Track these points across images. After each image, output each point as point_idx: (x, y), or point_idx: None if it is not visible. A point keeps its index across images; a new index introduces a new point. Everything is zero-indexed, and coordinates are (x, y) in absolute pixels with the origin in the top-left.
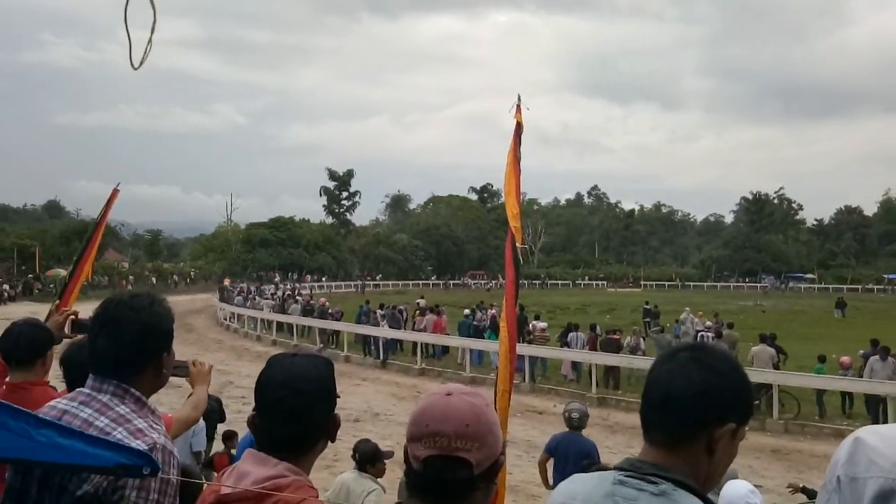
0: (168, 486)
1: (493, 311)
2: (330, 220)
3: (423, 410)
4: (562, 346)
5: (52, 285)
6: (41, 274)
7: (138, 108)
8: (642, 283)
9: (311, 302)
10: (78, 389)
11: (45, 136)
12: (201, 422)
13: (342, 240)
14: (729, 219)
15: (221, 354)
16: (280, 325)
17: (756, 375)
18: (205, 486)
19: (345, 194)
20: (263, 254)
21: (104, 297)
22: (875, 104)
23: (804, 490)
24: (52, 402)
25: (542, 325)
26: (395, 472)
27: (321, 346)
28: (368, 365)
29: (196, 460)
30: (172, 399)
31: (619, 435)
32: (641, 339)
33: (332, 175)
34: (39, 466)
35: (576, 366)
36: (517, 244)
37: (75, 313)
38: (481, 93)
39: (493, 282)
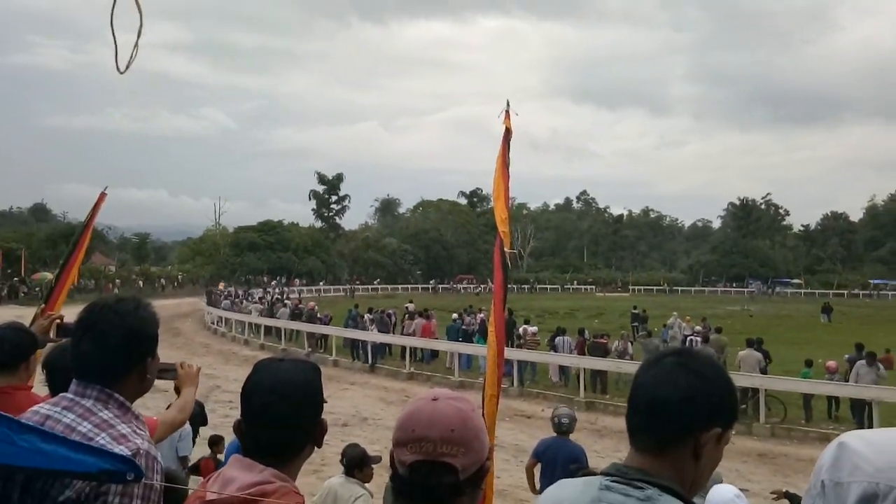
0: (151, 491)
1: (482, 315)
2: (319, 223)
3: (410, 415)
4: (550, 351)
5: (37, 289)
6: (27, 277)
7: (126, 110)
8: (631, 287)
9: (300, 306)
10: (61, 394)
11: (31, 139)
12: (188, 426)
13: (331, 244)
14: (717, 224)
15: (209, 359)
16: (268, 330)
17: (743, 379)
18: (190, 491)
19: (334, 198)
20: (252, 258)
21: (91, 300)
22: (861, 111)
23: (787, 495)
24: (34, 407)
25: (533, 329)
26: (383, 477)
27: (309, 350)
28: (357, 369)
29: (182, 465)
30: (159, 403)
31: (607, 439)
32: (629, 344)
33: (322, 179)
34: (22, 472)
35: (564, 370)
36: (506, 249)
37: (60, 317)
38: (471, 98)
39: (483, 286)
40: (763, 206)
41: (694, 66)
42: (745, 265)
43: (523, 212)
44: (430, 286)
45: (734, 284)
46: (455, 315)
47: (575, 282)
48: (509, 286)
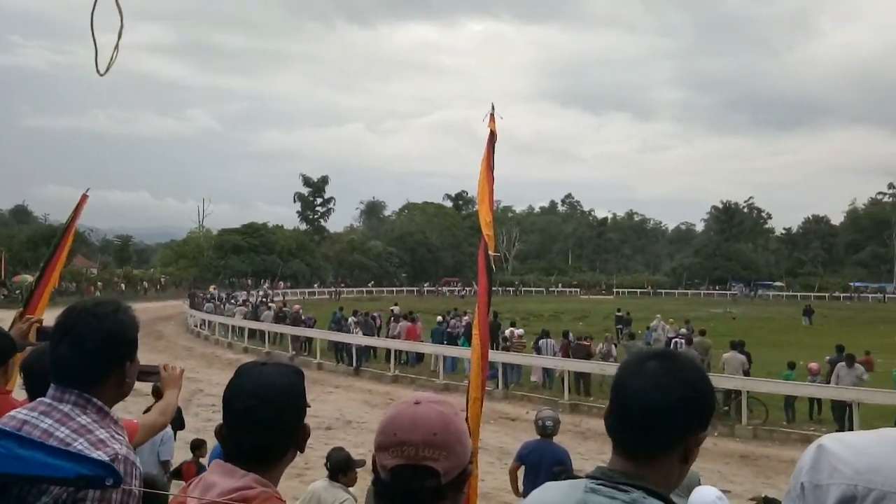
0: (130, 497)
1: (467, 318)
2: (304, 226)
3: (392, 419)
4: (534, 353)
5: (18, 291)
6: (7, 280)
7: (110, 112)
8: (615, 290)
9: (285, 309)
10: (39, 399)
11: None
12: (169, 430)
13: (316, 246)
14: (700, 227)
15: (192, 362)
16: (252, 333)
17: (725, 381)
18: (171, 496)
19: (319, 200)
20: (236, 260)
21: (72, 303)
22: (842, 116)
23: (766, 500)
24: (11, 413)
25: (520, 331)
26: (367, 481)
27: (293, 353)
28: (341, 372)
29: (164, 469)
30: (141, 407)
31: (591, 441)
32: (613, 346)
33: (307, 181)
34: None
35: (548, 372)
36: (490, 252)
37: (40, 321)
38: (457, 101)
39: (467, 289)
40: (745, 210)
41: (678, 71)
42: (728, 268)
43: (508, 214)
44: (415, 289)
45: (717, 287)
46: (440, 318)
47: (560, 284)
48: (494, 289)
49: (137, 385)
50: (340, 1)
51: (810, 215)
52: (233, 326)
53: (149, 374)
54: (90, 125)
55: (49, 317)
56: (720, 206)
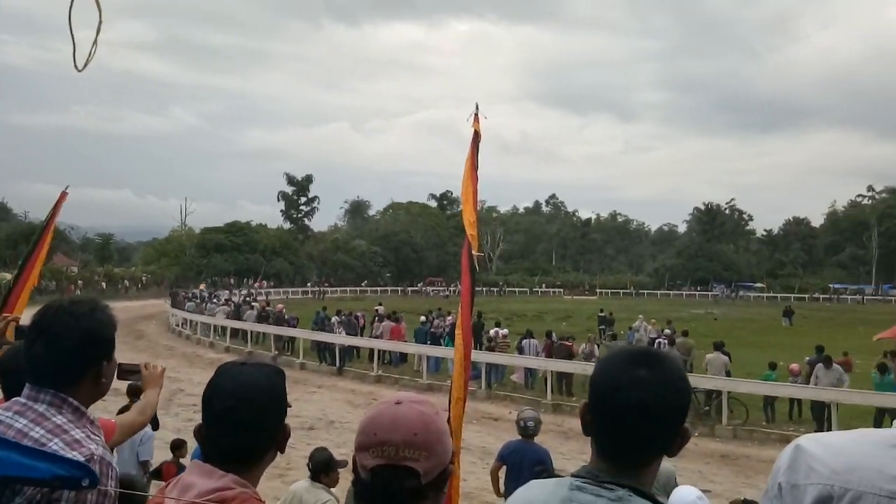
0: (106, 498)
1: (451, 318)
2: (288, 225)
3: (372, 419)
4: (517, 353)
5: None
6: None
7: (91, 109)
8: (598, 290)
9: (268, 308)
10: (14, 399)
11: None
12: (149, 430)
13: (300, 245)
14: (682, 228)
15: (173, 361)
16: (235, 332)
17: (706, 382)
18: (149, 497)
19: (303, 199)
20: (219, 259)
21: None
22: (822, 119)
23: (746, 502)
24: None
25: (504, 331)
26: (349, 482)
27: (276, 353)
28: (324, 372)
29: (143, 470)
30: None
31: (573, 441)
32: (596, 347)
33: (291, 180)
34: None
35: (531, 373)
36: (473, 252)
37: (16, 319)
38: (442, 101)
39: (451, 289)
40: (727, 212)
41: (661, 72)
42: (710, 269)
43: (493, 215)
44: (399, 288)
45: (699, 288)
46: (423, 318)
47: (543, 285)
48: (478, 288)
49: (116, 384)
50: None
51: (791, 217)
52: (215, 326)
53: (130, 372)
54: (72, 122)
55: (28, 315)
56: (702, 207)
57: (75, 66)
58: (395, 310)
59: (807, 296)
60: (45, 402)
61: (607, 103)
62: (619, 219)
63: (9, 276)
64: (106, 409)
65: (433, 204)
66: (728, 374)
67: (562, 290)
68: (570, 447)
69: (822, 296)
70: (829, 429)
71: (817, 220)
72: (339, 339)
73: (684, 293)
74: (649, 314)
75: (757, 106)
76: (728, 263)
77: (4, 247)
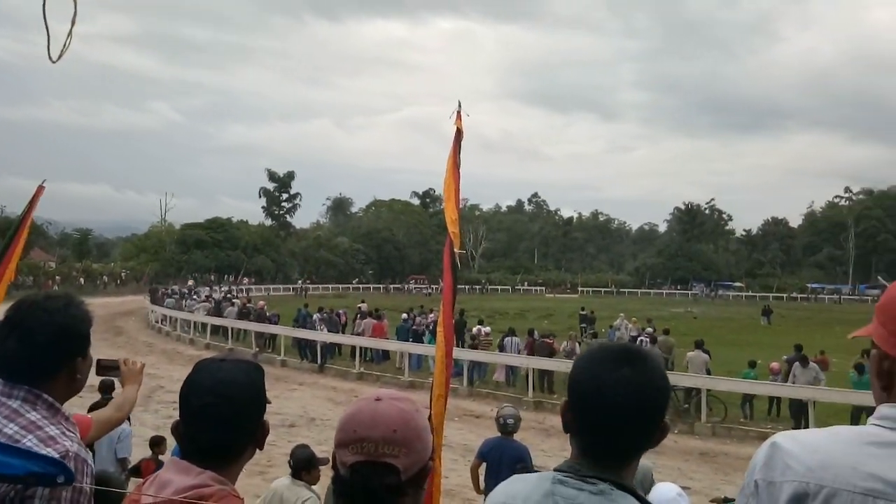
0: (81, 495)
1: (433, 315)
2: (269, 222)
3: (351, 416)
4: (498, 351)
5: None
6: None
7: (70, 103)
8: (579, 289)
9: (249, 305)
10: None
11: None
12: (127, 427)
13: (282, 242)
14: (663, 228)
15: (152, 358)
16: (215, 329)
17: (685, 380)
18: (126, 495)
19: (285, 196)
20: (199, 255)
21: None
22: (801, 121)
23: (726, 500)
24: None
25: (487, 329)
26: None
27: (257, 350)
28: (305, 369)
29: (122, 467)
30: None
31: (554, 438)
32: (577, 344)
33: (272, 176)
34: None
35: (513, 370)
36: (456, 250)
37: None
38: (426, 98)
39: (433, 286)
40: (707, 212)
41: (643, 73)
42: (690, 268)
43: (475, 213)
44: (381, 286)
45: (678, 287)
46: (405, 315)
47: (525, 283)
48: (460, 286)
49: (92, 380)
50: None
51: (769, 217)
52: (195, 322)
53: (109, 368)
54: (49, 116)
55: (2, 311)
56: (683, 207)
57: (49, 58)
58: (377, 307)
59: (785, 295)
60: (18, 398)
61: (590, 103)
62: (601, 218)
63: None
64: (84, 405)
65: (416, 202)
66: (708, 371)
67: (543, 288)
68: (551, 444)
69: (799, 295)
70: (807, 426)
71: (795, 221)
72: (321, 336)
73: (664, 292)
74: (630, 312)
75: (738, 107)
76: (707, 263)
77: None
